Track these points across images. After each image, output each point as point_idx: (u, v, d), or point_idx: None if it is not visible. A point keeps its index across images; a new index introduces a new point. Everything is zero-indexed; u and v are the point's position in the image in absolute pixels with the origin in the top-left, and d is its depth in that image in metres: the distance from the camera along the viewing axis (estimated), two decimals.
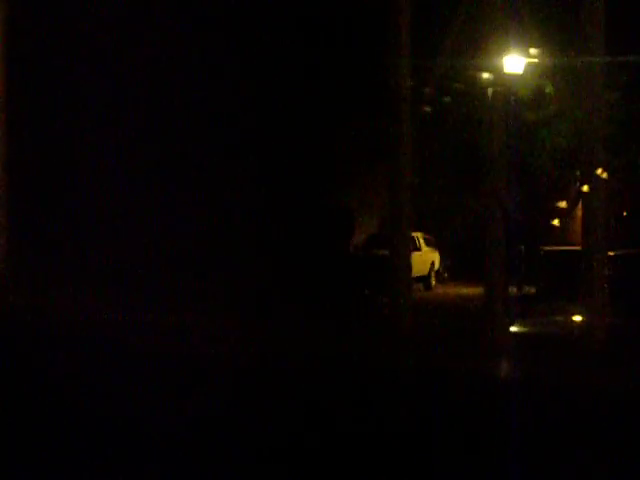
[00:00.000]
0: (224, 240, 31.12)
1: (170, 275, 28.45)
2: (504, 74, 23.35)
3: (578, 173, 28.14)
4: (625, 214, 32.95)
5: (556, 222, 33.81)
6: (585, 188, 23.42)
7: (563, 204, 33.43)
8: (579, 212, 27.04)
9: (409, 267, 22.77)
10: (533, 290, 30.41)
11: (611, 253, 26.80)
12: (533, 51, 23.09)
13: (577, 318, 23.33)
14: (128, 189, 31.20)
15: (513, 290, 27.59)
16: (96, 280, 28.27)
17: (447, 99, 29.33)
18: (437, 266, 34.82)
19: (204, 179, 32.04)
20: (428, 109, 30.44)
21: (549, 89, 28.30)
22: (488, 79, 24.77)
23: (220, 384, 14.43)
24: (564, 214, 33.23)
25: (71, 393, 13.24)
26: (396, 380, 15.75)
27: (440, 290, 33.53)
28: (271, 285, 28.67)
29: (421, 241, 33.50)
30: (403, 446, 10.91)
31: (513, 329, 22.36)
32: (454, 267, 36.16)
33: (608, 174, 30.46)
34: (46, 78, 32.14)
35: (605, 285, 24.88)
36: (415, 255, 31.36)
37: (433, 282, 34.19)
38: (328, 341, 20.03)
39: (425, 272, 33.46)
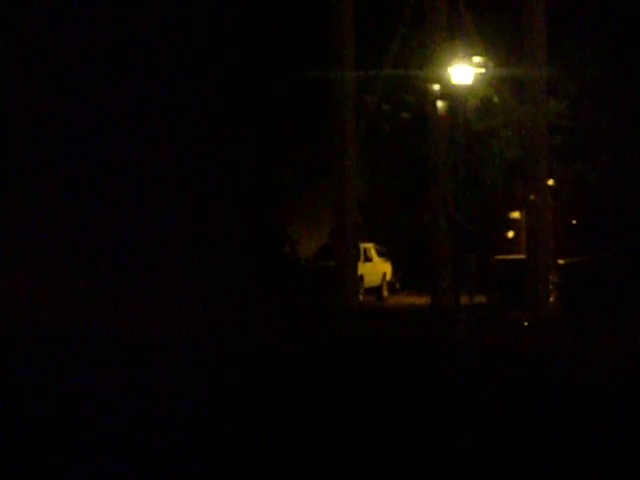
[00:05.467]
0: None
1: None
2: (452, 85, 23.54)
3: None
4: (574, 222, 33.21)
5: (510, 234, 34.00)
6: (532, 197, 23.65)
7: (516, 214, 33.62)
8: None
9: (355, 272, 22.90)
10: (484, 299, 30.53)
11: (561, 261, 26.98)
12: (477, 59, 23.21)
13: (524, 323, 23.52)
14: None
15: (465, 299, 27.71)
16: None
17: (386, 106, 29.29)
18: (389, 276, 34.85)
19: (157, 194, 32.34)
20: (385, 125, 30.55)
21: (496, 99, 28.48)
22: (436, 90, 24.92)
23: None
24: (517, 224, 33.42)
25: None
26: None
27: (392, 300, 33.55)
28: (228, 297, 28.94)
29: (372, 252, 33.51)
30: None
31: (459, 335, 22.44)
32: (406, 277, 36.20)
33: (558, 183, 30.81)
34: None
35: (555, 292, 25.08)
36: (367, 266, 31.37)
37: (385, 293, 34.20)
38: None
39: (377, 283, 33.47)
